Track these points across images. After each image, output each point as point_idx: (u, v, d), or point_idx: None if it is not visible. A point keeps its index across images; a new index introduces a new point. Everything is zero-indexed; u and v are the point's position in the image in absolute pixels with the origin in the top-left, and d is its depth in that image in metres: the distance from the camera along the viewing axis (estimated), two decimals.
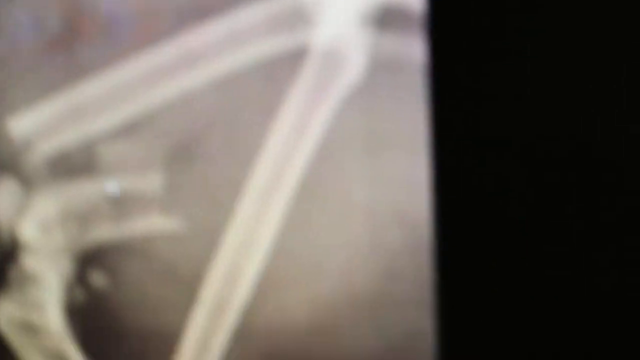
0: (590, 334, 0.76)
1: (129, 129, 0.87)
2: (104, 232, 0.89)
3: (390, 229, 0.81)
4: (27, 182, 0.89)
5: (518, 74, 0.77)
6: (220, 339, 0.85)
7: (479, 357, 0.80)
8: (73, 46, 0.87)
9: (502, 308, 0.78)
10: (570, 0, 0.77)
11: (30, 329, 0.90)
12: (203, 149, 0.86)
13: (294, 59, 0.83)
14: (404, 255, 0.81)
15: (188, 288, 0.86)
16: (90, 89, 0.87)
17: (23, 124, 0.88)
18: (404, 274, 0.81)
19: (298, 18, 0.83)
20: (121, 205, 0.88)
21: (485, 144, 0.77)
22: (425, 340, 0.81)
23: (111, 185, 0.87)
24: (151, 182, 0.87)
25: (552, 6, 0.76)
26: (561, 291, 0.76)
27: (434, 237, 0.78)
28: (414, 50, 0.80)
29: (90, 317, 0.89)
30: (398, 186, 0.81)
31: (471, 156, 0.77)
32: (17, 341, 0.89)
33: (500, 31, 0.77)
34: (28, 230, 0.89)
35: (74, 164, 0.88)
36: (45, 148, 0.88)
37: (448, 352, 0.80)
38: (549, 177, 0.77)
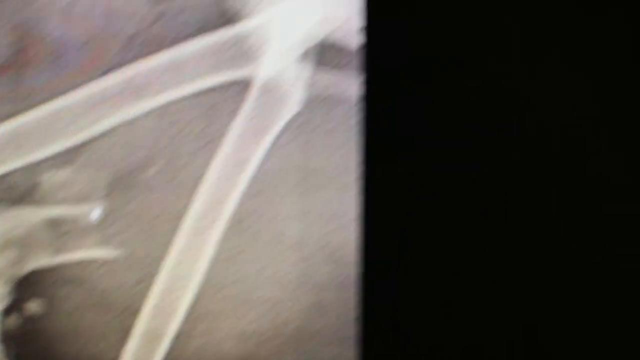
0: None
1: (71, 157, 1.07)
2: (41, 259, 1.11)
3: (318, 264, 1.00)
4: None
5: (448, 112, 0.99)
6: None
7: None
8: (20, 72, 1.12)
9: (425, 346, 1.00)
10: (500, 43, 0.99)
11: None
12: (143, 178, 1.01)
13: (235, 91, 1.04)
14: (330, 290, 1.02)
15: (122, 317, 0.98)
16: (34, 115, 1.09)
17: None
18: (329, 309, 1.01)
19: (240, 53, 1.05)
20: (59, 233, 1.11)
21: (414, 181, 0.99)
22: None
23: (95, 212, 1.11)
24: (90, 210, 1.10)
25: (484, 40, 0.98)
26: (482, 328, 0.98)
27: (360, 273, 1.00)
28: (349, 85, 1.03)
29: (25, 343, 1.00)
30: (328, 222, 1.02)
31: (399, 192, 0.99)
32: None
33: (430, 69, 0.99)
34: None
35: (15, 191, 1.12)
36: None
37: None
38: (479, 215, 0.99)
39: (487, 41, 0.87)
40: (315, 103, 0.89)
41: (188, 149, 0.96)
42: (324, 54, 0.89)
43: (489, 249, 0.85)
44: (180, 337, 0.97)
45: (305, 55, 0.90)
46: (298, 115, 0.92)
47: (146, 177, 0.98)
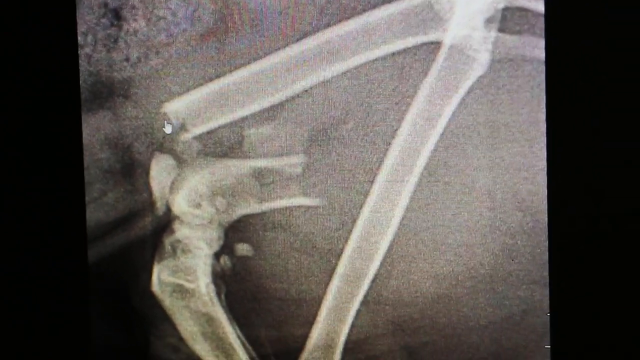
0: None
1: (273, 114, 1.11)
2: (249, 206, 1.20)
3: (508, 212, 1.08)
4: (181, 160, 1.17)
5: (632, 68, 1.08)
6: (354, 307, 1.10)
7: (592, 335, 1.02)
8: (223, 37, 1.16)
9: (615, 286, 1.10)
10: None
11: (182, 292, 1.17)
12: (339, 133, 1.10)
13: (425, 53, 1.15)
14: (521, 236, 1.12)
15: (325, 259, 1.11)
16: (238, 77, 1.12)
17: (178, 107, 1.16)
18: (520, 253, 1.13)
19: (429, 17, 1.16)
20: (264, 183, 1.24)
21: (598, 135, 1.09)
22: (539, 316, 1.05)
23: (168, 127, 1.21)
24: (292, 162, 1.23)
25: None
26: None
27: (550, 220, 1.12)
28: (534, 47, 1.13)
29: (236, 283, 1.14)
30: (516, 172, 1.05)
31: (584, 146, 1.10)
32: (169, 303, 1.17)
33: (614, 28, 1.08)
34: (181, 204, 1.19)
35: (223, 145, 1.18)
36: (197, 130, 1.27)
37: (562, 327, 1.13)
38: None
39: None
40: (502, 64, 0.98)
41: (381, 106, 1.05)
42: (510, 17, 0.98)
43: None
44: (379, 278, 1.08)
45: (491, 18, 0.98)
46: (485, 75, 0.98)
47: (342, 132, 1.08)
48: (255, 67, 1.10)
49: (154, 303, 1.17)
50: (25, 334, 1.17)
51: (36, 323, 1.15)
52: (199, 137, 1.13)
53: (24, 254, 1.14)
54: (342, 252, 1.09)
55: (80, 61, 1.09)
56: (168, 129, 1.06)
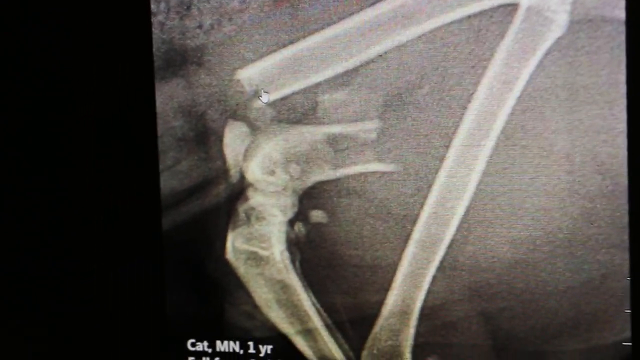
0: None
1: (347, 80, 1.12)
2: (323, 173, 1.19)
3: (587, 175, 1.09)
4: (255, 127, 1.20)
5: None
6: (430, 272, 1.11)
7: None
8: (297, 2, 1.15)
9: None
10: None
11: (257, 259, 1.19)
12: (414, 98, 1.12)
13: (502, 15, 1.15)
14: (600, 200, 1.12)
15: (400, 225, 1.11)
16: (311, 43, 1.12)
17: (251, 74, 1.17)
18: (600, 217, 1.13)
19: None
20: (339, 149, 1.25)
21: None
22: (619, 280, 1.10)
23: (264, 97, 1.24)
24: (367, 128, 1.24)
25: None
26: None
27: (631, 183, 1.11)
28: (613, 7, 1.12)
29: (311, 249, 1.17)
30: (596, 135, 1.11)
31: None
32: (243, 271, 1.20)
33: None
34: (255, 171, 1.21)
35: (296, 111, 1.25)
36: (271, 96, 1.28)
37: None
38: None
39: None
40: (580, 25, 0.98)
41: (457, 70, 1.06)
42: None
43: None
44: (455, 244, 1.09)
45: None
46: (563, 36, 0.98)
47: (418, 97, 1.09)
48: (328, 32, 1.11)
49: (229, 271, 1.19)
50: (102, 302, 1.17)
51: (113, 291, 1.17)
52: (272, 104, 1.15)
53: (100, 224, 1.16)
54: (417, 218, 1.11)
55: (153, 29, 1.10)
56: (265, 98, 1.07)
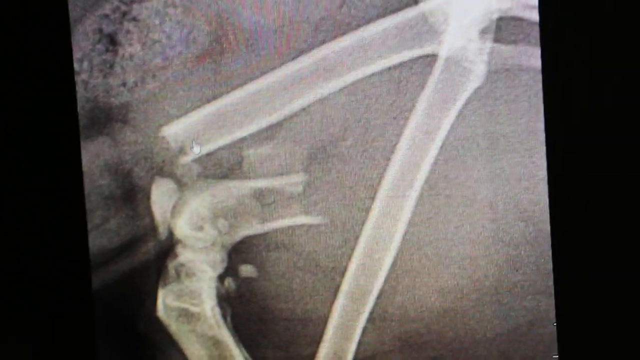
0: None
1: (271, 133, 1.13)
2: (251, 227, 1.26)
3: (511, 222, 1.13)
4: (182, 184, 1.17)
5: (628, 74, 1.09)
6: (360, 324, 1.10)
7: (599, 344, 1.02)
8: (219, 58, 1.21)
9: (621, 293, 1.11)
10: None
11: (188, 316, 1.17)
12: (339, 150, 1.11)
13: (421, 66, 1.17)
14: (524, 246, 1.15)
15: (329, 277, 1.11)
16: (235, 98, 1.13)
17: (177, 130, 1.16)
18: (524, 263, 1.15)
19: (424, 30, 1.17)
20: (266, 203, 1.26)
21: (596, 143, 1.10)
22: (546, 326, 1.08)
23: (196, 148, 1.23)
24: (293, 181, 1.25)
25: None
26: None
27: (553, 229, 1.13)
28: (530, 57, 1.14)
29: (241, 305, 1.14)
30: (517, 183, 1.13)
31: (583, 154, 1.11)
32: (175, 328, 1.17)
33: (608, 35, 1.09)
34: (183, 227, 1.19)
35: (222, 166, 1.25)
36: (196, 152, 1.28)
37: (569, 337, 1.14)
38: None
39: None
40: (498, 74, 0.99)
41: (379, 121, 1.06)
42: (505, 27, 1.00)
43: None
44: (384, 294, 1.09)
45: (486, 29, 1.00)
46: (482, 86, 0.99)
47: (342, 149, 1.09)
48: (252, 87, 1.11)
49: (160, 328, 1.17)
50: None
51: (43, 352, 1.15)
52: (198, 160, 1.14)
53: (27, 283, 1.14)
54: (346, 270, 1.11)
55: (77, 88, 1.10)
56: (197, 150, 1.07)
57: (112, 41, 1.10)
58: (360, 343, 1.11)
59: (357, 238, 1.08)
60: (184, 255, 1.16)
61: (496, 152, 0.98)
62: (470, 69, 0.98)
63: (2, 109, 1.11)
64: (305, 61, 1.09)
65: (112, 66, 1.10)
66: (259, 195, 1.12)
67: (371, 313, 1.10)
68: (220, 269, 1.15)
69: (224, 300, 1.15)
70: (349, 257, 1.10)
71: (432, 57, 1.00)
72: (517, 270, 0.98)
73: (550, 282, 0.97)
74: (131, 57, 1.10)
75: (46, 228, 1.13)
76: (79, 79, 1.10)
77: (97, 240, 1.13)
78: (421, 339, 1.07)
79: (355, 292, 1.08)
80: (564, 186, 0.94)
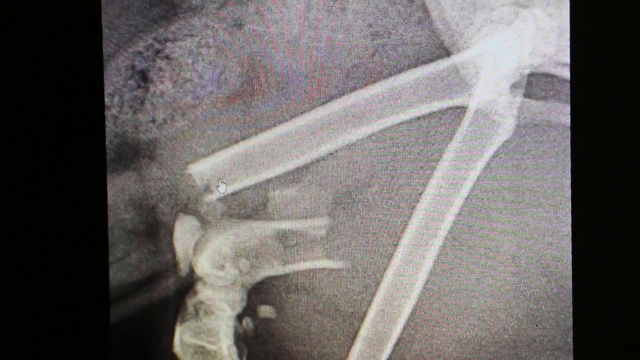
0: None
1: (297, 176, 1.14)
2: (272, 268, 1.25)
3: (533, 277, 1.14)
4: (205, 222, 1.20)
5: None
6: None
7: None
8: (249, 100, 1.22)
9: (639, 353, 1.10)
10: None
11: (204, 354, 1.17)
12: (364, 196, 1.13)
13: (450, 117, 1.18)
14: (545, 301, 1.16)
15: (348, 322, 1.11)
16: (263, 139, 1.14)
17: (203, 168, 1.18)
18: (545, 319, 1.15)
19: (455, 82, 1.19)
20: (288, 245, 1.27)
21: (621, 202, 1.11)
22: None
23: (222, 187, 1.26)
24: (317, 225, 1.26)
25: None
26: None
27: (575, 286, 1.13)
28: (559, 113, 1.15)
29: (258, 345, 1.15)
30: (541, 237, 1.15)
31: (609, 212, 1.12)
32: None
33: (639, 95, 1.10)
34: (204, 265, 1.21)
35: (247, 207, 1.27)
36: (221, 191, 1.29)
37: None
38: None
39: None
40: (527, 129, 1.00)
41: (406, 169, 1.07)
42: (535, 82, 1.00)
43: None
44: (402, 342, 1.09)
45: (517, 84, 1.01)
46: (510, 140, 1.00)
47: (367, 195, 1.10)
48: (280, 129, 1.12)
49: None
50: None
51: None
52: (223, 199, 1.14)
53: (47, 312, 1.15)
54: (365, 315, 1.11)
55: (106, 122, 1.11)
56: (222, 189, 1.08)
57: (143, 78, 1.11)
58: None
59: (377, 284, 1.08)
60: (204, 292, 1.16)
61: (521, 206, 0.98)
62: (499, 122, 0.99)
63: (33, 138, 1.13)
64: (334, 107, 1.10)
65: (142, 102, 1.11)
66: (282, 236, 1.12)
67: (388, 359, 1.08)
68: (239, 309, 1.15)
69: (241, 339, 1.15)
70: (369, 303, 1.10)
71: (461, 109, 1.01)
72: (536, 325, 0.98)
73: (570, 339, 0.97)
74: (162, 94, 1.10)
75: (68, 259, 1.13)
76: (109, 113, 1.11)
77: (118, 274, 1.13)
78: None
79: (373, 338, 1.08)
80: (587, 243, 0.95)
